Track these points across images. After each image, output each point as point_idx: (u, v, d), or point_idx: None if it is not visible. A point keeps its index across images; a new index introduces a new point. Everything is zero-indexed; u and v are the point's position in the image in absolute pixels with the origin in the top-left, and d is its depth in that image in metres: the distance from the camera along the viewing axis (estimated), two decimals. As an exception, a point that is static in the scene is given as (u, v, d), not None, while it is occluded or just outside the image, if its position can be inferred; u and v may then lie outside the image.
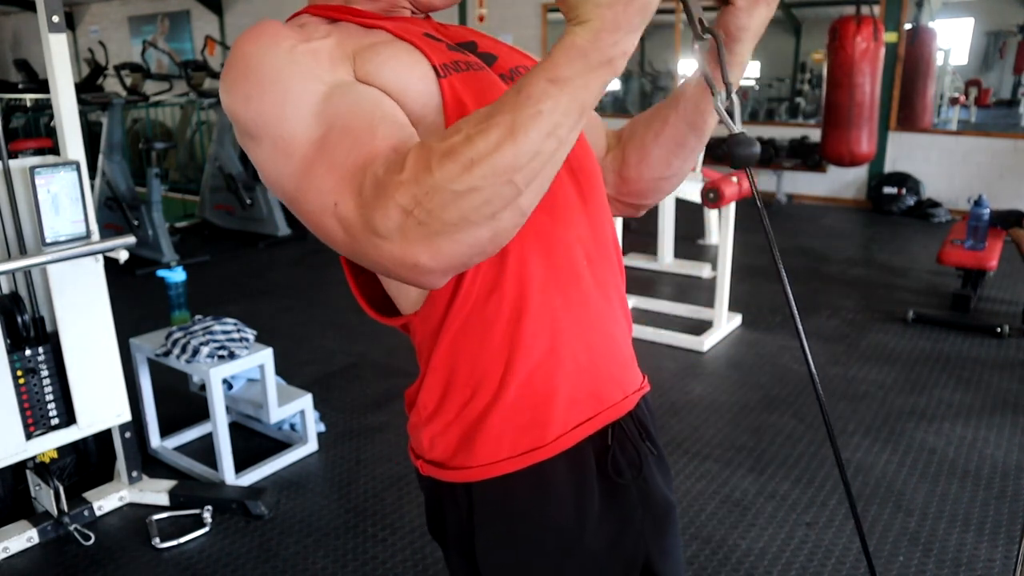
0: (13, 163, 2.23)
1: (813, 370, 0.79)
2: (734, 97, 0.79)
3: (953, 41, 7.45)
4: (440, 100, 0.79)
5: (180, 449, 2.86)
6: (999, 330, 3.79)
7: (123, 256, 2.25)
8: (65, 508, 2.32)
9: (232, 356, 2.58)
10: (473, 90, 0.81)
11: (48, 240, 2.13)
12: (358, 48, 0.80)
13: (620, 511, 0.90)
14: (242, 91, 0.75)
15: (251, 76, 0.75)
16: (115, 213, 5.42)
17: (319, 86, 0.74)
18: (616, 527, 0.90)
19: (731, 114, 0.77)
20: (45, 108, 6.91)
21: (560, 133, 0.64)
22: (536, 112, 0.62)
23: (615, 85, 9.37)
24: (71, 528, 2.30)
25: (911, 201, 6.62)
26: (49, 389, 2.28)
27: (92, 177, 4.49)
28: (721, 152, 0.77)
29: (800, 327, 0.78)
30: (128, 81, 8.64)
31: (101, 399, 2.38)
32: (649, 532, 0.93)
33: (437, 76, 0.80)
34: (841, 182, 7.14)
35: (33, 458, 2.38)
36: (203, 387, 2.69)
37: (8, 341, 2.21)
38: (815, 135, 7.18)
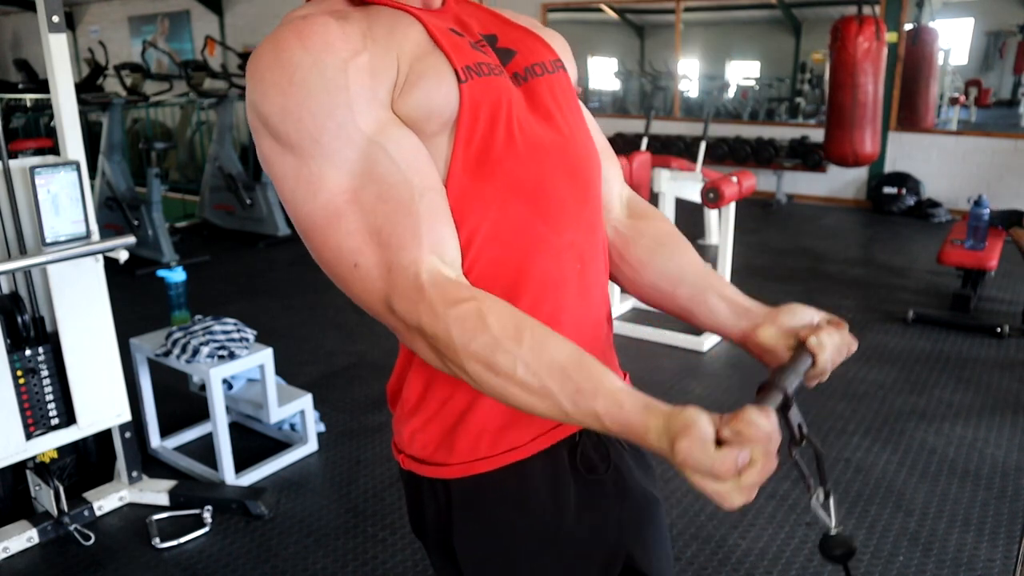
0: (13, 163, 2.23)
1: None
2: (831, 500, 0.76)
3: (953, 41, 7.45)
4: (457, 106, 0.80)
5: (180, 449, 2.86)
6: (999, 330, 3.79)
7: (123, 256, 2.25)
8: (65, 508, 2.32)
9: (232, 356, 2.58)
10: (488, 98, 0.82)
11: (48, 240, 2.13)
12: (398, 51, 0.78)
13: (596, 504, 0.91)
14: (279, 102, 0.74)
15: (294, 91, 0.73)
16: (115, 213, 5.42)
17: (361, 130, 0.74)
18: (593, 520, 0.91)
19: (828, 512, 0.75)
20: (45, 108, 6.92)
21: (533, 404, 0.73)
22: (547, 392, 0.71)
23: (615, 84, 9.38)
24: (71, 528, 2.30)
25: (911, 201, 6.62)
26: (49, 389, 2.28)
27: (92, 177, 4.48)
28: (818, 548, 0.77)
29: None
30: (128, 81, 8.64)
31: (101, 399, 2.38)
32: (628, 525, 0.94)
33: (458, 81, 0.80)
34: (841, 182, 7.14)
35: (33, 458, 2.37)
36: (203, 387, 2.69)
37: (8, 341, 2.21)
38: (815, 135, 7.18)
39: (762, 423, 0.64)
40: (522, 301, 0.83)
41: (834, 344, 0.82)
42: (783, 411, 0.74)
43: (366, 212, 0.75)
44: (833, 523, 0.74)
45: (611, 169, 1.02)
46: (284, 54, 0.74)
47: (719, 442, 0.64)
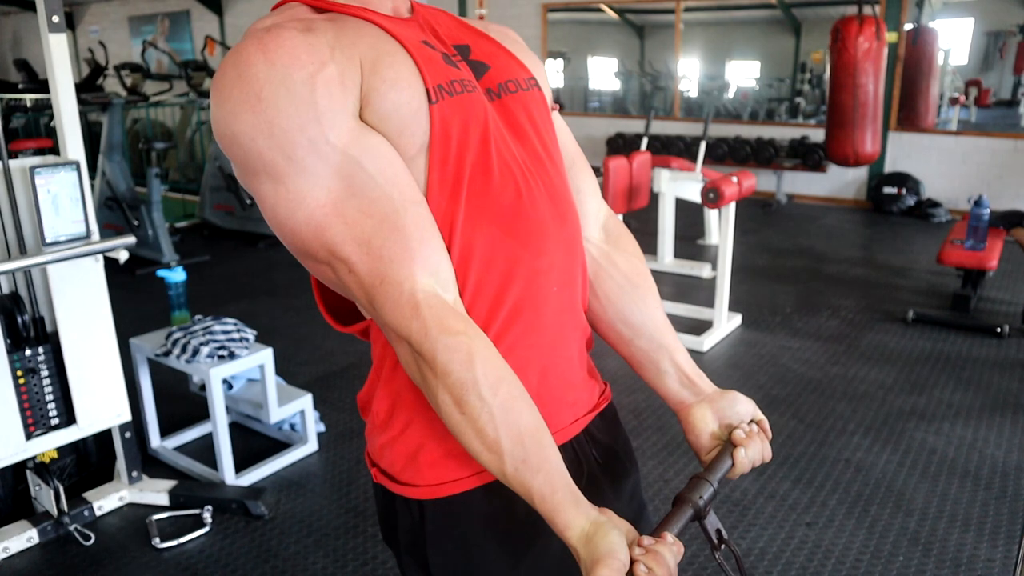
0: (13, 163, 2.23)
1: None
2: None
3: (953, 41, 7.45)
4: (428, 129, 0.78)
5: (180, 449, 2.86)
6: (999, 330, 3.79)
7: (123, 256, 2.25)
8: (65, 508, 2.32)
9: (232, 356, 2.58)
10: (460, 118, 0.80)
11: (48, 240, 2.13)
12: (364, 61, 0.76)
13: None
14: (248, 122, 0.71)
15: (263, 108, 0.71)
16: (115, 213, 5.41)
17: (334, 144, 0.73)
18: None
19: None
20: (45, 108, 6.89)
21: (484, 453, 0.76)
22: (502, 459, 0.74)
23: (615, 85, 9.38)
24: (71, 528, 2.30)
25: (911, 201, 6.62)
26: (49, 389, 2.28)
27: (92, 177, 4.48)
28: None
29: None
30: (128, 81, 8.64)
31: (101, 399, 2.38)
32: None
33: (428, 102, 0.78)
34: (841, 182, 7.14)
35: (33, 458, 2.37)
36: (203, 387, 2.69)
37: (8, 341, 2.21)
38: (815, 135, 7.18)
39: (669, 559, 0.71)
40: (492, 324, 0.82)
41: (754, 453, 0.89)
42: (698, 519, 0.81)
43: (350, 225, 0.74)
44: None
45: (586, 181, 1.00)
46: (249, 70, 0.71)
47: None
